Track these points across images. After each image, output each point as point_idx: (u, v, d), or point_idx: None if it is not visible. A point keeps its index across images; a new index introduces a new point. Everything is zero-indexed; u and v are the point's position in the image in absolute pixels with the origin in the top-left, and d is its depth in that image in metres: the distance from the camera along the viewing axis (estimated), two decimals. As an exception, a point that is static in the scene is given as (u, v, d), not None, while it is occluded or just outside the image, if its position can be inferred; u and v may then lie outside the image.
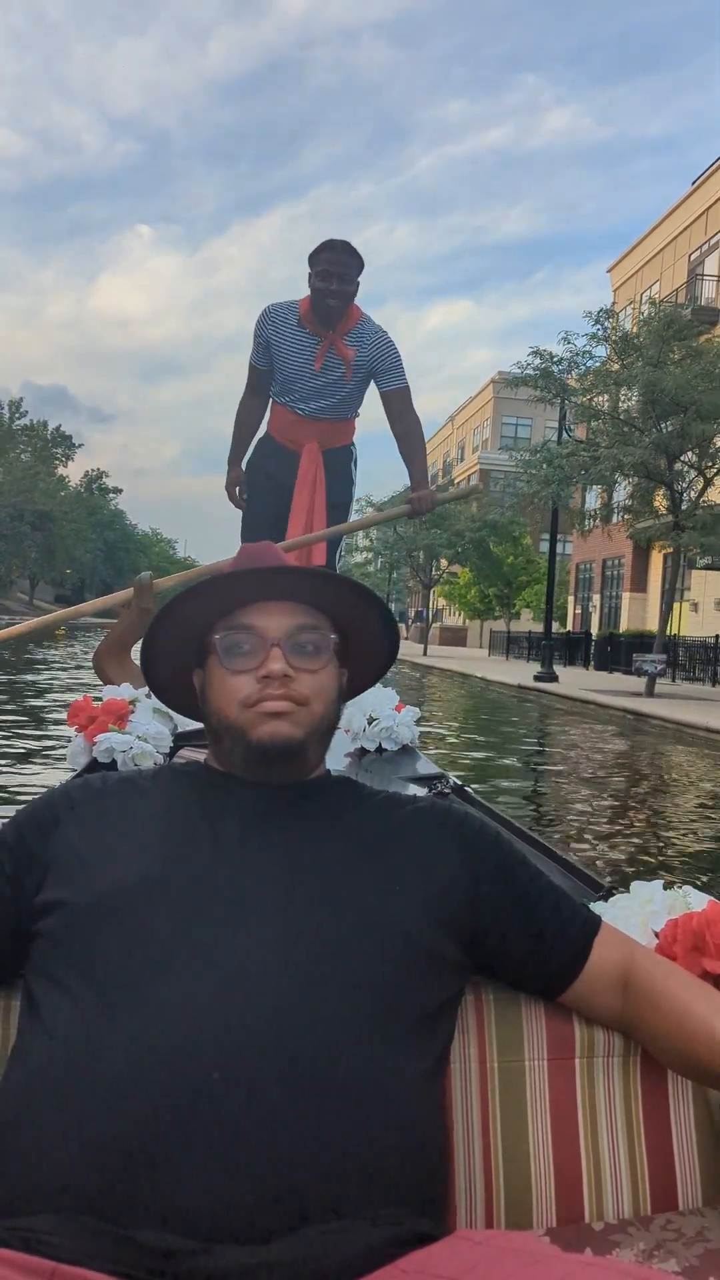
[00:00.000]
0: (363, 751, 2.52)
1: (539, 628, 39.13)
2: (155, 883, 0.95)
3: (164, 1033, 0.85)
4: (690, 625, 29.16)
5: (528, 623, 42.66)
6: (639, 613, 33.21)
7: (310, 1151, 0.82)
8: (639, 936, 1.15)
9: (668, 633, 20.92)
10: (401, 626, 65.35)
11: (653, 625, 31.90)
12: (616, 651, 27.39)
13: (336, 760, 2.48)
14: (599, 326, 19.02)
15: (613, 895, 1.27)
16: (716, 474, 18.32)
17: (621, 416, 18.90)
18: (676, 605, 31.68)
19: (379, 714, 2.50)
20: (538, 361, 19.75)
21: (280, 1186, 0.80)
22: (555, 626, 33.26)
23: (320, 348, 3.43)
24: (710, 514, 18.00)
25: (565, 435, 20.54)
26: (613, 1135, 1.08)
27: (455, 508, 37.56)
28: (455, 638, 54.07)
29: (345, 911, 0.95)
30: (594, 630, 33.29)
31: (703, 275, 31.47)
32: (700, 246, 31.95)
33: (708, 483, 18.50)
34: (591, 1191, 1.06)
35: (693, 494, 18.60)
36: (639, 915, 1.19)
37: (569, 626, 37.84)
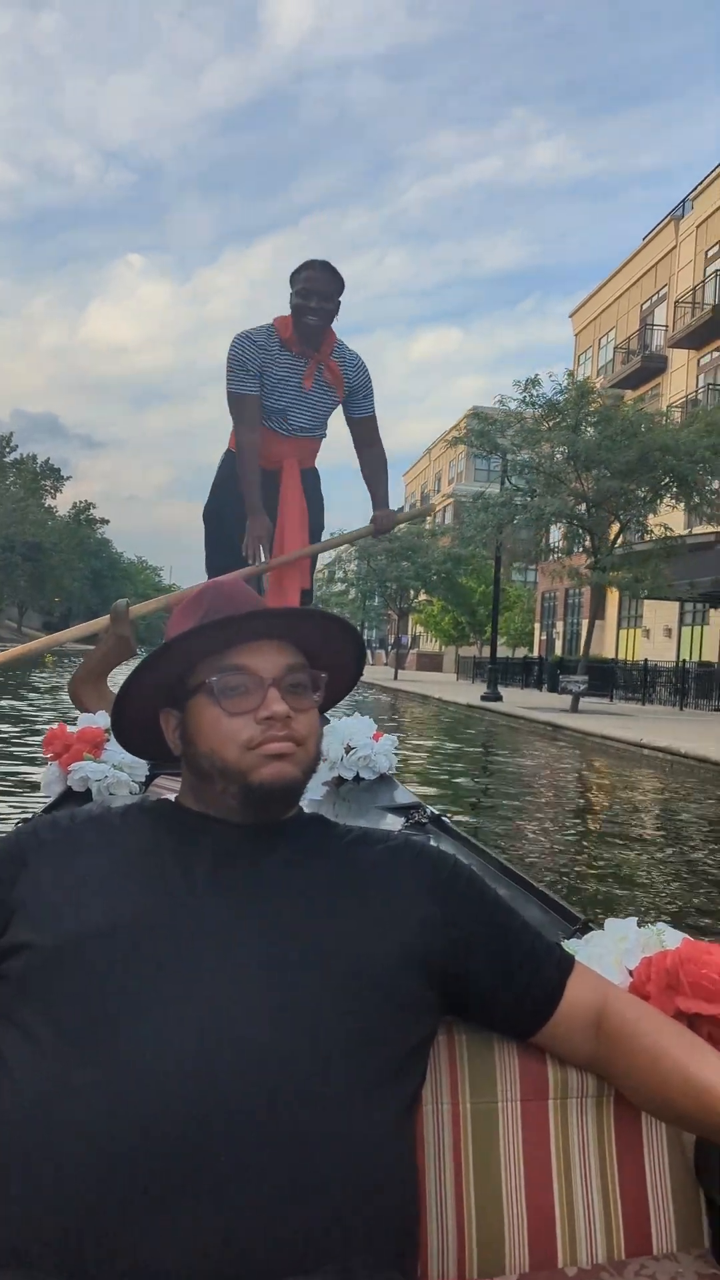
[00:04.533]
0: (340, 780, 2.45)
1: (511, 653, 39.38)
2: (124, 926, 0.89)
3: (132, 1083, 0.79)
4: (643, 650, 29.39)
5: (502, 649, 42.78)
6: (597, 638, 33.38)
7: (281, 1206, 0.77)
8: (613, 974, 1.11)
9: (620, 657, 22.90)
10: (380, 653, 65.42)
11: (610, 651, 32.20)
12: (568, 673, 28.43)
13: (314, 789, 2.42)
14: (526, 394, 20.94)
15: (589, 929, 1.22)
16: (629, 521, 20.51)
17: (546, 469, 20.82)
18: (630, 631, 32.05)
19: (357, 742, 2.44)
20: (476, 424, 22.00)
21: (251, 1242, 0.75)
22: (524, 651, 33.87)
23: (309, 368, 3.36)
24: (619, 556, 20.35)
25: (507, 484, 22.07)
26: (586, 1178, 1.02)
27: (424, 539, 37.94)
28: (432, 663, 54.11)
29: (318, 955, 0.90)
30: (559, 655, 33.48)
31: (653, 325, 31.97)
32: (651, 298, 32.47)
33: (623, 527, 20.68)
34: (565, 1236, 1.00)
35: (609, 538, 20.67)
36: (613, 953, 1.14)
37: (536, 651, 38.01)
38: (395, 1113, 0.88)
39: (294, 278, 3.29)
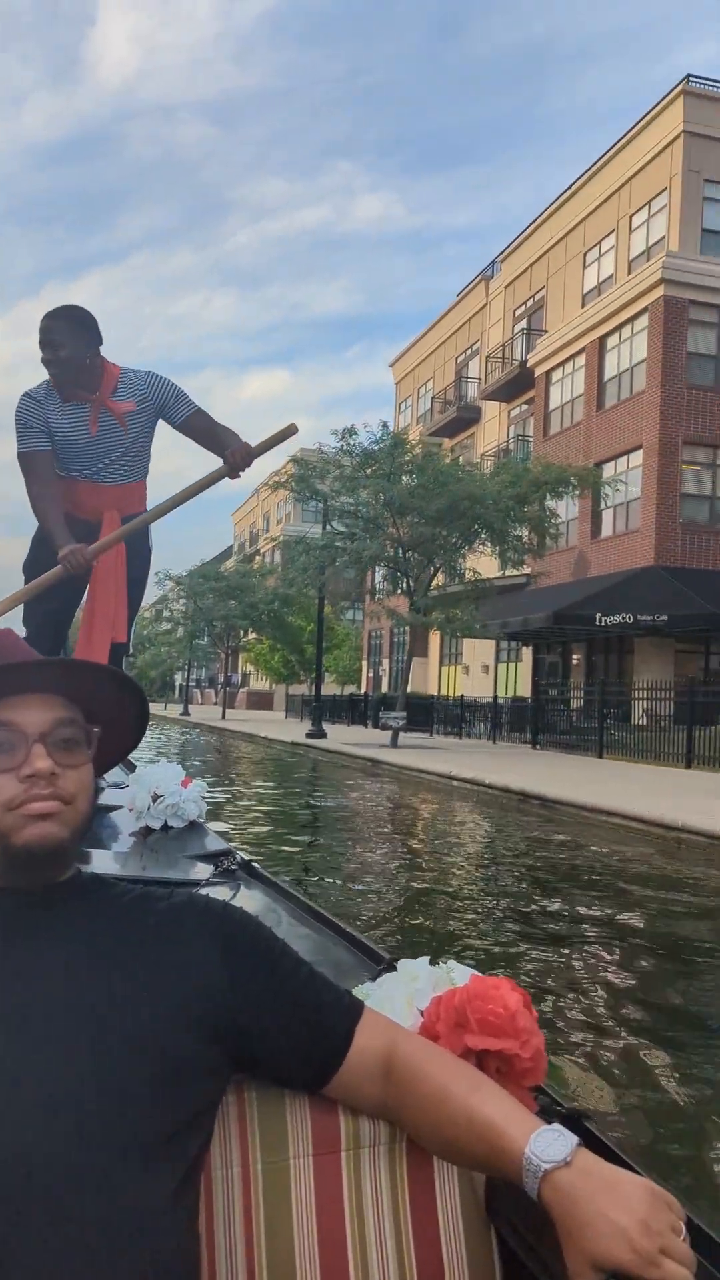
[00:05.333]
0: (148, 830, 2.37)
1: (340, 690, 39.74)
2: None
3: None
4: (463, 686, 30.38)
5: (330, 686, 43.10)
6: (421, 675, 34.25)
7: None
8: (404, 1016, 1.10)
9: (442, 693, 23.52)
10: (209, 692, 64.45)
11: (433, 687, 33.10)
12: (390, 710, 29.26)
13: (121, 841, 2.33)
14: (344, 441, 21.74)
15: (395, 967, 1.21)
16: (442, 565, 21.50)
17: (364, 515, 21.64)
18: (450, 668, 33.11)
19: (164, 790, 2.36)
20: (297, 469, 22.58)
21: None
22: (352, 689, 34.30)
23: (91, 412, 3.26)
24: (434, 598, 21.34)
25: (329, 527, 22.74)
26: (379, 1228, 1.00)
27: (251, 579, 38.04)
28: (262, 701, 53.71)
29: (88, 1027, 0.85)
30: (384, 691, 34.08)
31: (467, 377, 33.51)
32: (465, 351, 34.04)
33: (437, 571, 21.67)
34: None
35: (424, 580, 21.62)
36: (404, 994, 1.13)
37: (363, 688, 38.51)
38: (173, 1186, 0.84)
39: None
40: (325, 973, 1.04)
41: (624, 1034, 3.71)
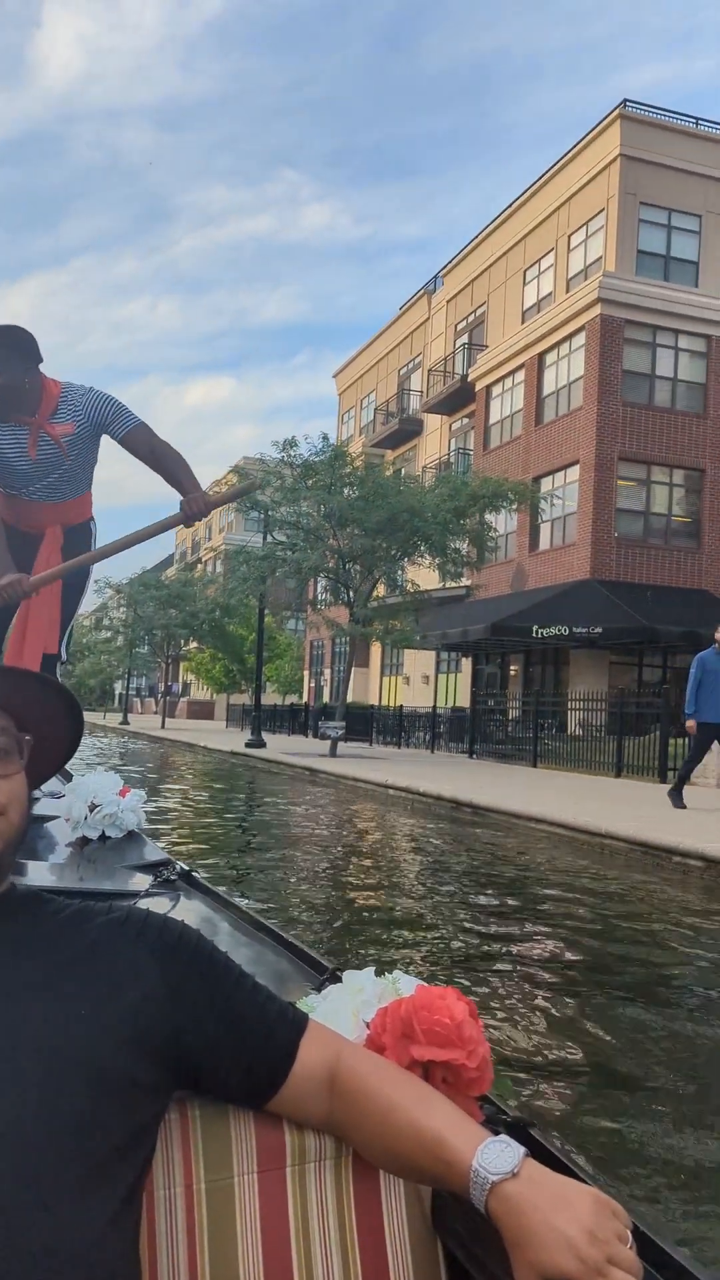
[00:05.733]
0: (85, 840, 2.31)
1: (282, 700, 39.61)
2: None
3: None
4: (404, 696, 30.54)
5: (272, 696, 42.90)
6: (362, 685, 34.31)
7: None
8: (350, 1028, 1.08)
9: (384, 703, 23.77)
10: (150, 701, 63.62)
11: (375, 697, 33.19)
12: (330, 720, 29.35)
13: (58, 852, 2.27)
14: (285, 453, 21.74)
15: (338, 978, 1.20)
16: (381, 576, 21.80)
17: (305, 526, 21.78)
18: (391, 678, 33.26)
19: (102, 799, 2.31)
20: (236, 480, 22.85)
21: None
22: (295, 698, 34.24)
23: (30, 435, 3.20)
24: (373, 609, 21.52)
25: (270, 538, 22.78)
26: (325, 1244, 0.98)
27: (192, 588, 37.79)
28: (203, 710, 53.24)
29: (27, 1047, 0.81)
30: (326, 700, 34.08)
31: (410, 390, 33.76)
32: (408, 364, 34.30)
33: (376, 582, 21.95)
34: None
35: (364, 591, 21.87)
36: (350, 1006, 1.12)
37: (305, 698, 38.45)
38: (112, 1210, 0.81)
39: None
40: (268, 984, 1.02)
41: (561, 1033, 3.74)
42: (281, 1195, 0.98)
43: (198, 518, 3.20)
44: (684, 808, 9.98)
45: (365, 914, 6.02)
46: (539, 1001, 4.22)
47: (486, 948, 5.16)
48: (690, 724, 9.75)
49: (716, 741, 10.06)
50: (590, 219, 23.79)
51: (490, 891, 6.81)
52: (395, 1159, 0.94)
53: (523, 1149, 0.83)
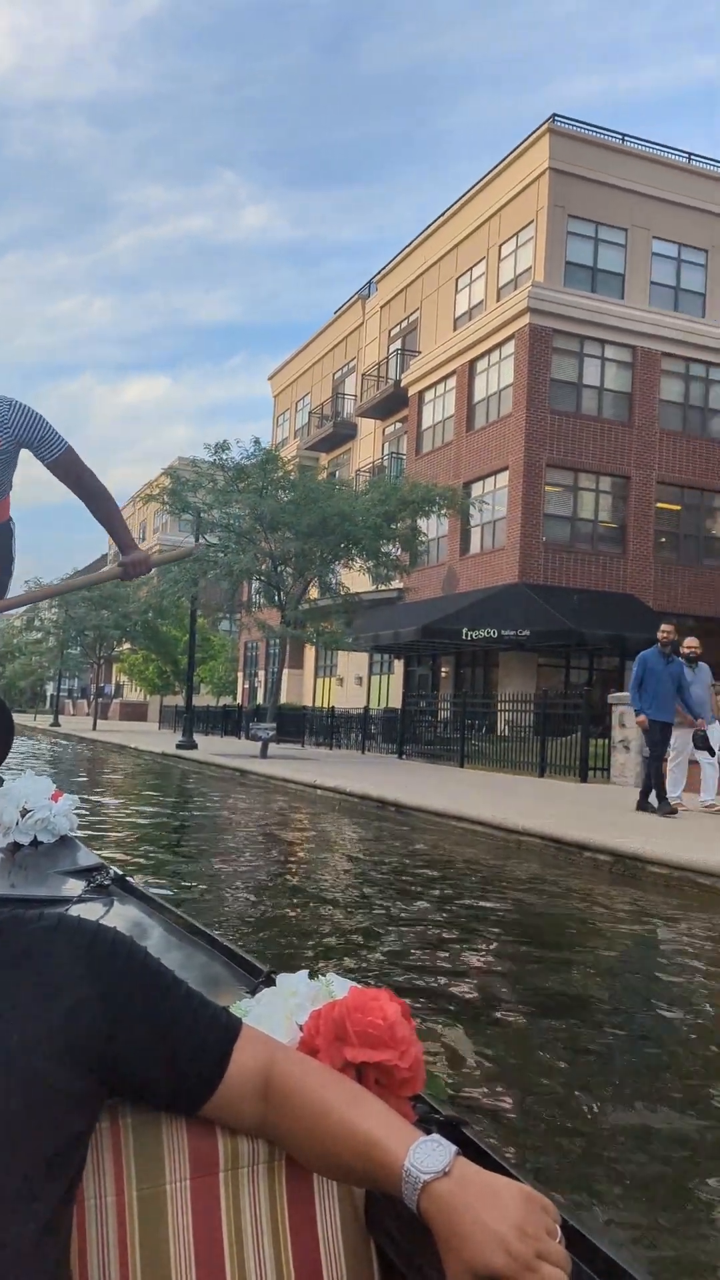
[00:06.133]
0: (16, 846, 2.27)
1: (215, 702, 39.25)
2: None
3: None
4: (338, 697, 30.56)
5: (206, 697, 42.49)
6: (296, 686, 34.23)
7: None
8: (283, 1032, 1.08)
9: (318, 704, 24.03)
10: (82, 702, 62.47)
11: (309, 698, 33.14)
12: (261, 721, 29.30)
13: None
14: (217, 456, 21.77)
15: (273, 980, 1.19)
16: (312, 579, 21.90)
17: (236, 529, 21.79)
18: (325, 680, 33.26)
19: (33, 804, 2.27)
20: (169, 483, 22.65)
21: None
22: (229, 700, 34.02)
23: None
24: (304, 611, 21.70)
25: (202, 540, 22.61)
26: (259, 1248, 0.98)
27: (123, 589, 37.15)
28: (136, 712, 52.42)
29: None
30: (260, 702, 33.94)
31: (344, 394, 33.82)
32: (342, 368, 34.35)
33: (307, 585, 22.08)
34: None
35: (296, 593, 21.99)
36: (284, 1009, 1.12)
37: (239, 699, 38.19)
38: (45, 1216, 0.80)
39: None
40: (201, 988, 1.01)
41: (486, 1024, 3.79)
42: (215, 1201, 0.97)
43: (135, 576, 3.28)
44: (675, 812, 9.67)
45: (291, 916, 6.01)
46: (469, 997, 4.27)
47: (416, 949, 5.19)
48: (641, 719, 9.90)
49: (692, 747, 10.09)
50: (520, 229, 24.14)
51: (415, 890, 6.86)
52: (328, 1162, 0.94)
53: (454, 1148, 0.84)
